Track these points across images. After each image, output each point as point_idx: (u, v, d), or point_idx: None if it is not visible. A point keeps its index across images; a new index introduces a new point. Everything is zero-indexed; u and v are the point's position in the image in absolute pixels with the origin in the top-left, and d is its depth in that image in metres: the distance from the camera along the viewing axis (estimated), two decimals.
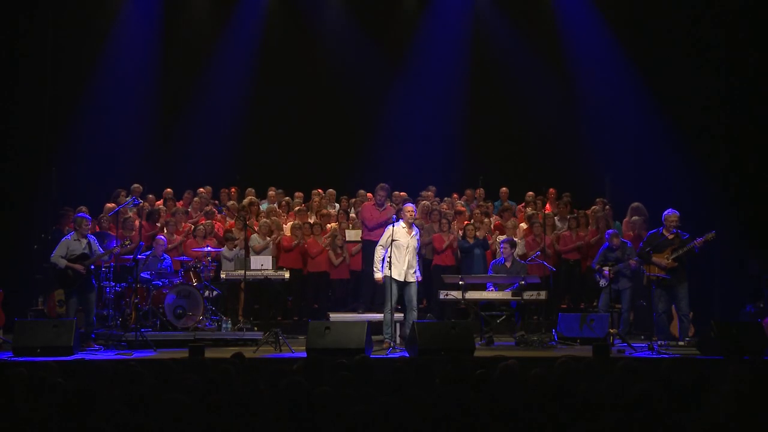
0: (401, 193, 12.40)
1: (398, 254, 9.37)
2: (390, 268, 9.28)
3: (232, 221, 11.72)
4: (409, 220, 9.54)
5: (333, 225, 11.65)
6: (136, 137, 13.60)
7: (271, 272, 10.22)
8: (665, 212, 9.81)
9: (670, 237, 9.71)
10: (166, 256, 10.67)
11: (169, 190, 12.57)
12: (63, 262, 9.47)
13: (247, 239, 10.96)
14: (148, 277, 10.21)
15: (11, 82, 11.97)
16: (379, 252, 9.51)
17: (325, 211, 12.07)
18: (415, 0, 14.95)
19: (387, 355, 8.85)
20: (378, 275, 9.47)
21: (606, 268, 10.05)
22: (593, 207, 12.01)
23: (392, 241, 9.37)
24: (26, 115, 12.17)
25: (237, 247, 10.99)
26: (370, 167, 13.40)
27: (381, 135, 14.28)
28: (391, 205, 11.43)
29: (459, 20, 14.61)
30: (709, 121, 12.10)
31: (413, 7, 14.93)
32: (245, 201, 12.19)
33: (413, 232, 9.55)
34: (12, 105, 12.01)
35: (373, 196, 11.39)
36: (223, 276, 10.55)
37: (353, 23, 14.58)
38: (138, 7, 13.88)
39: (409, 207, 9.68)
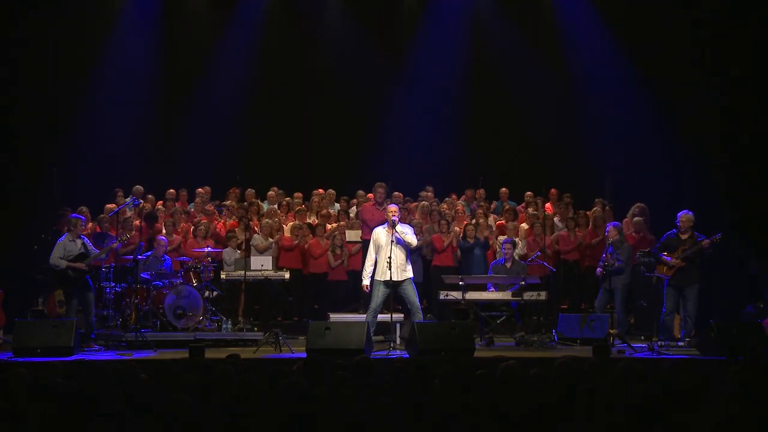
0: (396, 193, 12.39)
1: (380, 255, 9.18)
2: (374, 272, 9.17)
3: (233, 221, 11.71)
4: (391, 221, 9.21)
5: (333, 225, 11.64)
6: (137, 137, 13.58)
7: (271, 272, 10.21)
8: (679, 213, 9.76)
9: (684, 238, 9.68)
10: (166, 256, 10.66)
11: (171, 191, 12.55)
12: (63, 263, 9.49)
13: (248, 239, 10.95)
14: (148, 277, 10.20)
15: (11, 83, 11.96)
16: (366, 263, 9.37)
17: (325, 211, 12.06)
18: (415, 0, 14.95)
19: (387, 355, 8.84)
20: (364, 282, 9.33)
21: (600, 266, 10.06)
22: (595, 209, 11.95)
23: (378, 245, 9.22)
24: (26, 116, 12.16)
25: (238, 249, 10.97)
26: (370, 167, 13.39)
27: (381, 135, 14.25)
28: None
29: (459, 20, 14.58)
30: (709, 121, 12.08)
31: (413, 6, 14.91)
32: (247, 201, 12.18)
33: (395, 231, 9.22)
34: (12, 105, 12.00)
35: (373, 195, 11.37)
36: (223, 276, 10.55)
37: (353, 23, 14.56)
38: (138, 8, 13.86)
39: (392, 207, 9.47)
